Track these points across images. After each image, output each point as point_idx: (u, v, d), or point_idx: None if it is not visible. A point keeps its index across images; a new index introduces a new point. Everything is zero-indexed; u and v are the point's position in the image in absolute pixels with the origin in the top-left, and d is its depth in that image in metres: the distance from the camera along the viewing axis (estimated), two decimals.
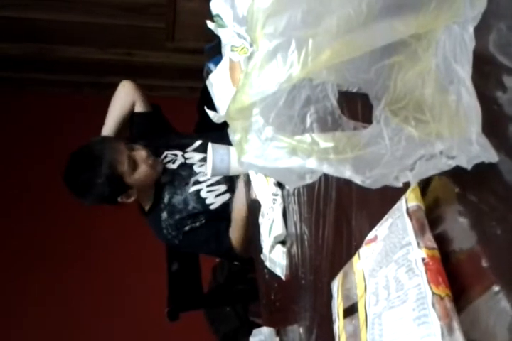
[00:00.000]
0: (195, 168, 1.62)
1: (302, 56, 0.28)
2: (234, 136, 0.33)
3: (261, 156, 0.32)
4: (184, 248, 1.64)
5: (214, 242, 1.53)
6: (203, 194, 1.58)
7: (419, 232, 0.42)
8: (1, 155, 2.63)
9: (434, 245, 0.41)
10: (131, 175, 1.49)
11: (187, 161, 1.64)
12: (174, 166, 1.63)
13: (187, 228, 1.55)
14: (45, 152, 2.61)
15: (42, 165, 2.38)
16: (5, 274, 2.39)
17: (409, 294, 0.40)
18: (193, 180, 1.60)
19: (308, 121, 0.37)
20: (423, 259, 0.40)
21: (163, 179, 1.62)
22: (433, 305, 0.37)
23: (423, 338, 0.37)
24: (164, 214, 1.57)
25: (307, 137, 0.32)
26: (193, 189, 1.58)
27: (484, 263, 0.39)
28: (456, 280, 0.40)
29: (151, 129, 1.73)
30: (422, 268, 0.39)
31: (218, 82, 1.10)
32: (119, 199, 1.54)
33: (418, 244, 0.41)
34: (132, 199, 1.56)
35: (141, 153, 1.52)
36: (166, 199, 1.59)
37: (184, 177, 1.61)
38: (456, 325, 0.36)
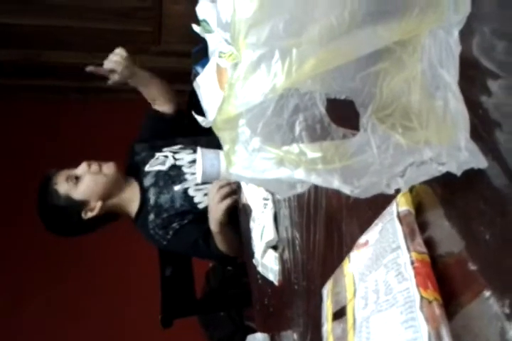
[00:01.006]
0: (184, 169, 1.62)
1: (286, 66, 0.28)
2: (223, 146, 0.33)
3: (249, 167, 0.32)
4: (172, 248, 1.62)
5: (202, 243, 1.52)
6: (190, 192, 1.57)
7: (409, 237, 0.42)
8: None
9: (424, 249, 0.41)
10: (76, 190, 1.50)
11: (177, 162, 1.64)
12: (164, 168, 1.62)
13: (175, 225, 1.53)
14: (33, 157, 2.59)
15: (29, 171, 2.36)
16: (6, 274, 2.38)
17: (397, 297, 0.39)
18: (180, 178, 1.59)
19: (297, 129, 0.37)
20: (412, 263, 0.40)
21: (145, 183, 1.61)
22: (421, 309, 0.37)
23: None
24: (151, 216, 1.56)
25: (294, 147, 0.31)
26: (180, 187, 1.57)
27: (473, 267, 0.39)
28: (446, 284, 0.40)
29: (160, 132, 1.73)
30: (411, 272, 0.39)
31: (205, 84, 1.09)
32: (83, 216, 1.53)
33: (408, 248, 0.41)
34: (98, 211, 1.54)
35: (80, 167, 1.54)
36: (151, 201, 1.58)
37: (172, 176, 1.60)
38: (444, 328, 0.36)
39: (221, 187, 1.34)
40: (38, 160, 2.47)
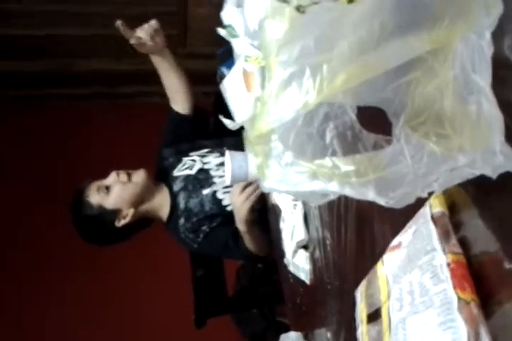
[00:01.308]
0: (212, 172, 1.63)
1: (317, 82, 0.28)
2: (255, 159, 0.33)
3: (282, 181, 0.32)
4: (203, 251, 1.64)
5: (233, 244, 1.53)
6: (219, 195, 1.59)
7: (444, 238, 0.41)
8: (23, 171, 2.67)
9: (459, 250, 0.41)
10: (107, 200, 1.53)
11: (205, 166, 1.65)
12: (192, 172, 1.64)
13: (204, 228, 1.55)
14: (65, 166, 2.65)
15: (62, 179, 2.41)
16: (16, 274, 2.44)
17: (434, 299, 0.39)
18: (209, 182, 1.61)
19: (328, 137, 0.37)
20: (448, 264, 0.40)
21: (175, 188, 1.63)
22: (459, 310, 0.37)
23: None
24: (182, 220, 1.58)
25: (328, 161, 0.32)
26: (208, 191, 1.58)
27: (509, 266, 0.38)
28: (482, 284, 0.40)
29: (182, 134, 1.75)
30: (448, 273, 0.39)
31: (232, 87, 1.09)
32: (116, 224, 1.56)
33: (443, 249, 0.41)
34: (130, 218, 1.56)
35: (110, 177, 1.55)
36: (181, 205, 1.60)
37: (200, 180, 1.62)
38: (483, 329, 0.36)
39: (245, 187, 1.34)
40: (70, 167, 2.53)
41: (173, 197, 1.62)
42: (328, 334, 0.92)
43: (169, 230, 1.64)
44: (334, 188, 0.31)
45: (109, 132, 2.76)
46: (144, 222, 1.64)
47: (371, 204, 0.67)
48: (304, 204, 1.02)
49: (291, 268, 1.08)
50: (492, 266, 0.40)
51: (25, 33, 2.45)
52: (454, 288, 0.38)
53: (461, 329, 0.36)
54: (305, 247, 1.02)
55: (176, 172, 1.66)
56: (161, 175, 1.70)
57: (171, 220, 1.61)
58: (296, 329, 1.16)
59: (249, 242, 1.47)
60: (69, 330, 2.41)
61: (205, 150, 1.71)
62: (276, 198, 1.14)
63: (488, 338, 0.36)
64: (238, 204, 1.36)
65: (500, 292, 0.38)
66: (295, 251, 1.03)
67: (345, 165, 0.31)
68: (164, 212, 1.62)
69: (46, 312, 2.44)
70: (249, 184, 1.34)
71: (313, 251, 0.97)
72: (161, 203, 1.62)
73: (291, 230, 1.02)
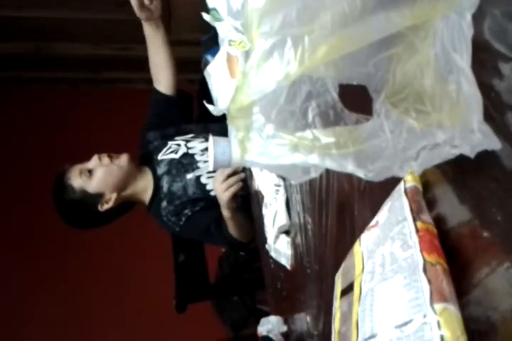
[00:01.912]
0: (197, 157, 1.63)
1: (299, 53, 0.28)
2: (237, 134, 0.34)
3: (263, 154, 0.32)
4: (185, 235, 1.64)
5: (215, 230, 1.53)
6: (203, 180, 1.59)
7: (416, 209, 0.42)
8: None
9: (430, 221, 0.42)
10: (90, 184, 1.52)
11: (189, 151, 1.65)
12: (177, 156, 1.64)
13: (187, 211, 1.55)
14: (44, 150, 2.61)
15: (42, 163, 2.39)
16: (8, 267, 2.42)
17: (402, 264, 0.40)
18: (193, 167, 1.61)
19: (310, 115, 0.37)
20: (417, 231, 0.40)
21: (159, 171, 1.63)
22: (424, 271, 0.37)
23: (411, 301, 0.37)
24: (164, 203, 1.58)
25: (308, 133, 0.32)
26: (192, 175, 1.58)
27: (486, 235, 0.39)
28: (461, 254, 0.41)
29: (168, 117, 1.74)
30: (416, 239, 0.40)
31: (216, 73, 1.09)
32: (99, 209, 1.56)
33: (414, 218, 0.41)
34: (113, 202, 1.56)
35: (92, 160, 1.55)
36: (164, 189, 1.60)
37: (185, 164, 1.62)
38: (447, 289, 0.36)
39: (229, 176, 1.35)
40: (50, 151, 2.50)
41: (157, 180, 1.62)
42: (308, 318, 0.93)
43: (151, 213, 1.63)
44: (314, 160, 0.31)
45: (90, 117, 2.73)
46: (126, 205, 1.63)
47: (352, 189, 0.68)
48: (286, 189, 1.02)
49: (273, 254, 1.09)
50: (468, 235, 0.41)
51: (4, 14, 2.40)
52: (421, 251, 0.39)
53: (424, 287, 0.36)
54: (287, 232, 1.02)
55: (160, 156, 1.66)
56: (145, 159, 1.70)
57: (153, 203, 1.61)
58: (276, 314, 1.17)
59: (232, 228, 1.47)
60: (48, 318, 2.40)
61: (191, 135, 1.70)
62: (258, 184, 1.14)
63: (454, 297, 0.37)
64: (220, 192, 1.37)
65: (478, 260, 0.39)
66: (277, 237, 1.04)
67: (326, 137, 0.31)
68: (147, 196, 1.62)
69: (27, 299, 2.43)
70: (233, 172, 1.35)
71: (295, 236, 0.98)
72: (144, 187, 1.62)
73: (273, 215, 1.03)
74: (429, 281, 0.35)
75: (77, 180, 1.52)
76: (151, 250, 2.38)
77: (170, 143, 1.68)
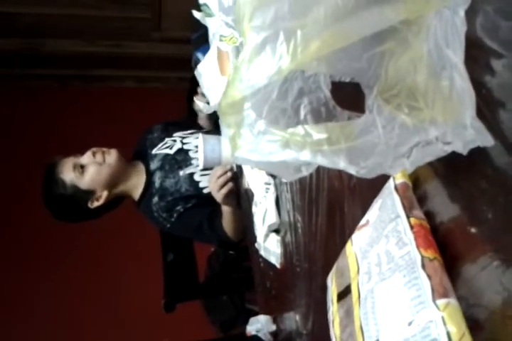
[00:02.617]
0: (191, 154, 1.63)
1: (291, 48, 0.28)
2: (228, 131, 0.33)
3: (254, 150, 0.32)
4: (176, 231, 1.63)
5: (207, 227, 1.53)
6: (196, 177, 1.58)
7: (408, 205, 0.42)
8: None
9: (423, 217, 0.42)
10: (82, 180, 1.51)
11: (184, 147, 1.65)
12: (171, 152, 1.63)
13: (179, 208, 1.55)
14: (34, 146, 2.59)
15: (32, 160, 2.37)
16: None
17: (399, 263, 0.40)
18: (187, 163, 1.60)
19: (302, 113, 0.37)
20: (412, 227, 0.40)
21: (152, 166, 1.62)
22: (423, 267, 0.37)
23: (413, 299, 0.37)
24: (155, 199, 1.58)
25: (300, 129, 0.32)
26: (186, 172, 1.58)
27: (474, 231, 0.39)
28: (449, 249, 0.41)
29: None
30: (411, 235, 0.40)
31: (207, 71, 1.09)
32: (89, 205, 1.55)
33: (407, 215, 0.41)
34: (104, 200, 1.56)
35: (85, 156, 1.53)
36: (156, 184, 1.59)
37: (178, 161, 1.61)
38: (446, 283, 0.36)
39: (219, 177, 1.36)
40: (41, 148, 2.47)
41: (149, 175, 1.61)
42: (297, 317, 0.93)
43: (140, 208, 1.63)
44: (306, 157, 0.31)
45: (79, 114, 2.71)
46: (116, 200, 1.63)
47: (342, 187, 0.67)
48: (277, 188, 1.02)
49: (262, 253, 1.08)
50: (458, 231, 0.41)
51: None
52: (418, 247, 0.39)
53: (425, 284, 0.36)
54: (276, 231, 1.02)
55: (154, 151, 1.65)
56: (140, 152, 1.69)
57: (143, 198, 1.60)
58: (265, 313, 1.17)
59: (227, 223, 1.47)
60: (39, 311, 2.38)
61: (190, 131, 1.70)
62: (249, 182, 1.14)
63: (452, 291, 0.36)
64: (215, 190, 1.38)
65: (467, 255, 0.39)
66: (266, 235, 1.03)
67: (318, 133, 0.31)
68: (138, 191, 1.62)
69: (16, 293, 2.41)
70: (225, 172, 1.35)
71: (285, 234, 0.97)
72: (135, 183, 1.61)
73: (263, 214, 1.03)
74: (429, 277, 0.35)
75: (69, 174, 1.50)
76: (140, 249, 2.37)
77: (167, 139, 1.68)
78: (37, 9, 2.41)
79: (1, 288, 2.37)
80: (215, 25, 0.78)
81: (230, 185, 1.36)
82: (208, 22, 0.84)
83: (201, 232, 1.54)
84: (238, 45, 0.63)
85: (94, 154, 1.53)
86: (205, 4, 0.77)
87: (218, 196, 1.38)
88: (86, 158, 1.53)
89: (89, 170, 1.51)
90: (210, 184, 1.40)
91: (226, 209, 1.44)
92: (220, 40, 0.75)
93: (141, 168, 1.64)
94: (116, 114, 2.64)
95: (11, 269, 2.43)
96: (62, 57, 2.73)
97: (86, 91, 2.87)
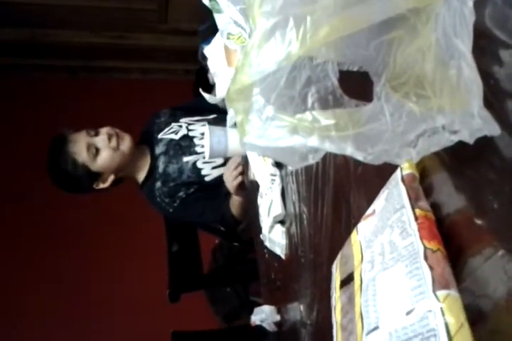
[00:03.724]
0: (196, 141, 1.64)
1: (300, 33, 0.28)
2: (235, 117, 0.33)
3: (262, 136, 0.32)
4: (178, 216, 1.65)
5: (209, 214, 1.55)
6: (199, 164, 1.60)
7: (413, 196, 0.42)
8: None
9: (428, 208, 0.42)
10: (94, 162, 1.52)
11: (189, 133, 1.65)
12: (176, 137, 1.64)
13: (181, 194, 1.57)
14: (40, 137, 2.60)
15: (38, 151, 2.38)
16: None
17: (402, 253, 0.40)
18: (191, 150, 1.61)
19: (310, 101, 0.37)
20: (416, 218, 0.40)
21: (157, 150, 1.63)
22: (425, 258, 0.37)
23: (414, 289, 0.37)
24: (158, 183, 1.59)
25: (308, 115, 0.32)
26: (189, 158, 1.59)
27: (480, 223, 0.39)
28: (455, 240, 0.41)
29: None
30: (415, 226, 0.40)
31: (213, 56, 1.08)
32: (94, 186, 1.57)
33: (412, 205, 0.41)
34: (109, 183, 1.58)
35: (101, 138, 1.53)
36: (160, 169, 1.60)
37: (183, 147, 1.62)
38: (448, 275, 0.37)
39: (233, 170, 1.41)
40: (47, 139, 2.48)
41: (154, 159, 1.63)
42: (301, 308, 0.93)
43: (143, 192, 1.64)
44: (314, 143, 0.31)
45: (86, 105, 2.71)
46: (118, 181, 1.64)
47: (348, 178, 0.68)
48: (282, 179, 1.02)
49: (267, 244, 1.09)
50: (464, 222, 0.41)
51: (1, 0, 2.37)
52: (421, 238, 0.39)
53: (426, 275, 0.36)
54: (282, 222, 1.02)
55: (160, 135, 1.66)
56: (146, 137, 1.70)
57: (147, 182, 1.62)
58: (269, 304, 1.18)
59: (235, 207, 1.51)
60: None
61: (197, 117, 1.70)
62: (254, 173, 1.14)
63: (454, 283, 0.37)
64: (229, 180, 1.42)
65: (472, 246, 0.39)
66: (272, 226, 1.04)
67: (326, 119, 0.31)
68: (142, 174, 1.64)
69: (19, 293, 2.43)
70: (238, 165, 1.39)
71: (290, 225, 0.98)
72: (140, 167, 1.63)
73: (269, 205, 1.03)
74: (431, 268, 0.36)
75: (82, 154, 1.50)
76: (145, 239, 2.38)
77: (173, 124, 1.69)
78: (44, 0, 2.42)
79: (9, 274, 2.39)
80: (224, 22, 0.77)
81: (240, 178, 1.40)
82: (216, 18, 0.84)
83: (203, 218, 1.56)
84: (246, 44, 0.63)
85: (109, 138, 1.53)
86: (213, 0, 0.77)
87: (231, 186, 1.42)
88: (101, 142, 1.53)
89: (102, 154, 1.51)
90: (226, 175, 1.45)
91: (235, 197, 1.48)
92: (228, 38, 0.74)
93: (146, 151, 1.65)
94: (122, 106, 2.65)
95: (17, 258, 2.45)
96: (69, 48, 2.73)
97: (92, 83, 2.87)
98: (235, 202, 1.50)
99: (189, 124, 1.68)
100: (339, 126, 0.31)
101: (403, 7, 0.30)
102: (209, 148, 1.16)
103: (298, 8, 0.28)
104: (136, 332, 2.34)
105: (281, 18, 0.28)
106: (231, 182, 1.41)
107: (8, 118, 2.68)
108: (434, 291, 0.35)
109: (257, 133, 0.32)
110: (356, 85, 0.44)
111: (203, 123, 1.68)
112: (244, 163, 1.34)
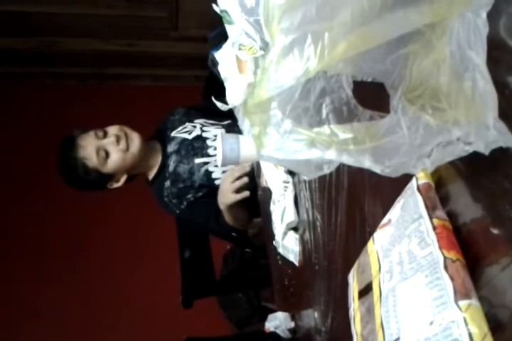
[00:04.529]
0: (209, 142, 1.63)
1: (319, 50, 0.28)
2: (252, 129, 0.34)
3: (280, 149, 0.33)
4: (184, 218, 1.65)
5: (213, 220, 1.54)
6: (210, 167, 1.59)
7: (430, 206, 0.42)
8: (5, 149, 2.64)
9: (445, 217, 0.42)
10: (105, 165, 1.51)
11: (203, 134, 1.64)
12: (189, 137, 1.63)
13: (189, 196, 1.56)
14: (52, 145, 2.62)
15: (50, 158, 2.40)
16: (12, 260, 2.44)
17: (421, 263, 0.40)
18: (203, 152, 1.61)
19: (324, 112, 0.38)
20: (434, 228, 0.40)
21: (169, 148, 1.63)
22: (445, 268, 0.38)
23: (435, 300, 0.37)
24: (167, 183, 1.59)
25: (326, 129, 0.32)
26: (201, 160, 1.58)
27: (495, 231, 0.39)
28: (472, 250, 0.41)
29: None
30: (434, 236, 0.40)
31: (224, 61, 1.08)
32: (108, 186, 1.58)
33: (429, 215, 0.42)
34: (123, 182, 1.58)
35: (110, 140, 1.51)
36: (171, 168, 1.60)
37: (195, 147, 1.61)
38: (468, 284, 0.37)
39: (238, 178, 1.36)
40: (56, 146, 2.51)
41: (165, 157, 1.62)
42: (316, 314, 0.93)
43: (152, 189, 1.64)
44: (332, 156, 0.32)
45: (96, 112, 2.73)
46: (131, 178, 1.64)
47: (363, 186, 0.68)
48: (295, 186, 1.03)
49: (281, 250, 1.09)
50: (480, 232, 0.41)
51: (11, 9, 2.41)
52: (440, 248, 0.39)
53: (447, 285, 0.37)
54: (295, 229, 1.03)
55: (173, 133, 1.65)
56: (160, 133, 1.70)
57: (156, 180, 1.62)
58: (283, 310, 1.18)
59: (228, 217, 1.48)
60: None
61: (212, 121, 1.70)
62: (267, 180, 1.14)
63: (474, 292, 0.37)
64: (227, 192, 1.38)
65: (489, 255, 0.39)
66: (285, 233, 1.04)
67: (343, 133, 0.32)
68: (153, 171, 1.64)
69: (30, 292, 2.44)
70: (245, 174, 1.35)
71: (303, 232, 0.98)
72: (152, 163, 1.63)
73: (282, 212, 1.03)
74: (452, 278, 0.36)
75: (92, 159, 1.49)
76: (158, 246, 2.39)
77: (187, 123, 1.68)
78: (53, 8, 2.44)
79: (22, 272, 2.41)
80: (235, 33, 0.78)
81: (246, 193, 1.35)
82: (227, 29, 0.85)
83: (208, 225, 1.56)
84: (258, 56, 0.63)
85: (118, 141, 1.51)
86: (225, 11, 0.77)
87: (229, 197, 1.37)
88: (110, 144, 1.51)
89: (112, 157, 1.50)
90: (225, 183, 1.39)
91: (223, 209, 1.44)
92: (239, 49, 0.75)
93: (158, 149, 1.64)
94: (132, 113, 2.66)
95: (28, 257, 2.47)
96: (78, 56, 2.76)
97: (102, 90, 2.89)
98: (225, 212, 1.46)
99: (203, 126, 1.67)
100: (357, 140, 0.31)
101: (420, 23, 0.30)
102: (221, 155, 1.16)
103: (316, 25, 0.28)
104: (149, 339, 2.35)
105: (299, 34, 0.29)
106: (230, 193, 1.36)
107: (19, 126, 2.71)
108: (456, 301, 0.35)
109: (275, 146, 0.33)
110: (370, 96, 0.44)
111: (217, 126, 1.68)
112: (257, 170, 1.34)
